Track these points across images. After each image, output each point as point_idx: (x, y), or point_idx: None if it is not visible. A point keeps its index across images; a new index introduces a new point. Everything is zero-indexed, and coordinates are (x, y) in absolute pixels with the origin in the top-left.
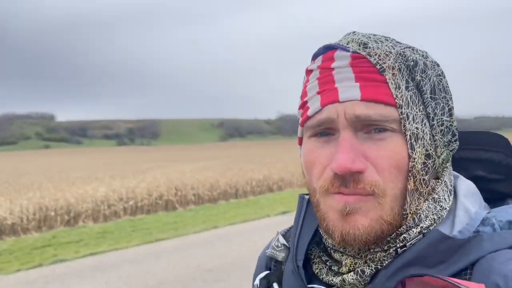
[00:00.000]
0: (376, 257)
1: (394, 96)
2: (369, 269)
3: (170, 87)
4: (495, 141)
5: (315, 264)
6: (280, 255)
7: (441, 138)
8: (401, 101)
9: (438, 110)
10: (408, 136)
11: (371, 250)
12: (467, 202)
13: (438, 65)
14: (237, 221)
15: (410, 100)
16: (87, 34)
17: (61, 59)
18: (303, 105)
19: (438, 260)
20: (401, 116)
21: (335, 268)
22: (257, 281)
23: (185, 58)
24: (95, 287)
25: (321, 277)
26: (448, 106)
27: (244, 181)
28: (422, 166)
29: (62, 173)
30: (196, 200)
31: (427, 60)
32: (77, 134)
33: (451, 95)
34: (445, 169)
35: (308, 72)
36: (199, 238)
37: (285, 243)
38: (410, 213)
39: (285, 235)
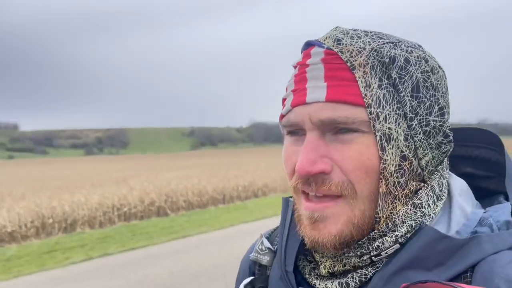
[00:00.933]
0: (350, 262)
1: (363, 95)
2: (353, 281)
3: (137, 94)
4: (485, 138)
5: (300, 261)
6: (265, 259)
7: (424, 139)
8: (370, 100)
9: (422, 109)
10: (378, 137)
11: (346, 254)
12: (462, 201)
13: (426, 61)
14: (235, 223)
15: (383, 99)
16: (52, 39)
17: (24, 65)
18: (283, 102)
19: (437, 262)
20: (370, 116)
21: (317, 270)
22: (241, 287)
23: (153, 64)
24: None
25: (304, 275)
26: (438, 105)
27: (230, 187)
28: (397, 168)
29: (38, 183)
30: (187, 206)
31: (411, 56)
32: (43, 143)
33: (443, 93)
34: (434, 172)
35: (293, 68)
36: (216, 235)
37: (270, 246)
38: (383, 217)
39: (269, 237)
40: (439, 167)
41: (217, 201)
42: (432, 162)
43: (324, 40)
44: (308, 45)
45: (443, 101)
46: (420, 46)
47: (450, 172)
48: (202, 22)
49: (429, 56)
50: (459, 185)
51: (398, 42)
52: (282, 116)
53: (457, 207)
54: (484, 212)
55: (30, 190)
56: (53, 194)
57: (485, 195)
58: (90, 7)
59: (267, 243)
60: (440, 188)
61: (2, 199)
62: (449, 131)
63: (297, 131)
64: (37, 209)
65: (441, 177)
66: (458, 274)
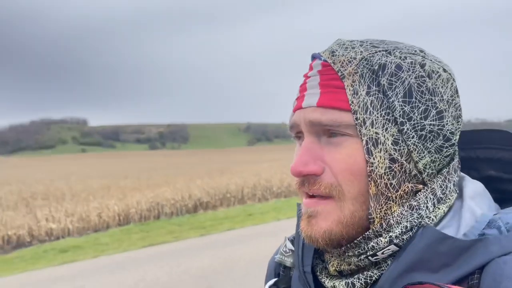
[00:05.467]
0: (351, 261)
1: (350, 102)
2: (359, 282)
3: (196, 91)
4: (506, 139)
5: (315, 259)
6: (288, 261)
7: (419, 142)
8: (357, 106)
9: (416, 114)
10: (364, 141)
11: (346, 254)
12: (474, 204)
13: (422, 66)
14: None
15: (371, 105)
16: (118, 39)
17: (91, 64)
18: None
19: (442, 263)
20: (356, 122)
21: (327, 268)
22: None
23: (212, 61)
24: None
25: (317, 274)
26: (436, 109)
27: None
28: (387, 170)
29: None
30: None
31: (403, 62)
32: (110, 138)
33: (442, 96)
34: (437, 175)
35: None
36: None
37: (293, 248)
38: (377, 217)
39: (293, 240)
40: (444, 170)
41: None
42: (432, 165)
43: (323, 53)
44: (312, 57)
45: (442, 105)
46: (422, 51)
47: (464, 175)
48: (260, 19)
49: (430, 60)
50: (473, 188)
51: (394, 50)
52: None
53: (467, 210)
54: (495, 214)
55: (179, 175)
56: (208, 178)
57: (511, 198)
58: (154, 6)
59: (290, 246)
60: (443, 191)
61: (175, 181)
62: (450, 135)
63: (300, 135)
64: (214, 186)
65: (446, 180)
66: (466, 275)
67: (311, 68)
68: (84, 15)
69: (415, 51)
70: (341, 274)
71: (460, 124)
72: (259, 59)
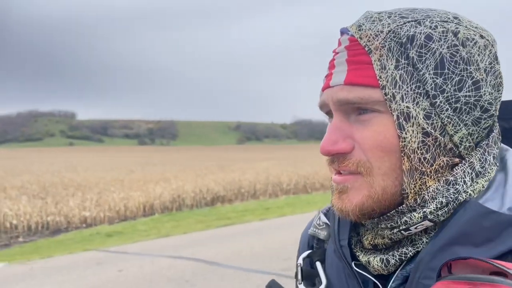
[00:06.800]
0: (384, 234)
1: (378, 77)
2: (393, 259)
3: (185, 88)
4: None
5: (351, 232)
6: (322, 234)
7: (454, 115)
8: (385, 81)
9: (449, 86)
10: (395, 116)
11: (379, 226)
12: None
13: (455, 34)
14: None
15: (399, 79)
16: (108, 33)
17: (80, 57)
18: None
19: (485, 238)
20: (385, 97)
21: (362, 242)
22: (300, 260)
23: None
24: None
25: (352, 246)
26: (471, 79)
27: (314, 176)
28: (420, 144)
29: (159, 167)
30: (319, 187)
31: (434, 31)
32: (98, 132)
33: (478, 65)
34: (474, 149)
35: None
36: None
37: (327, 221)
38: (411, 192)
39: (327, 213)
40: (483, 142)
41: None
42: (469, 138)
43: (350, 27)
44: (341, 32)
45: (479, 74)
46: (456, 18)
47: (508, 147)
48: (252, 18)
49: (465, 27)
50: None
51: (424, 19)
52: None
53: None
54: None
55: (184, 169)
56: (218, 173)
57: None
58: (144, 1)
59: (324, 218)
60: (483, 165)
61: (184, 175)
62: (489, 105)
63: (330, 114)
64: (229, 181)
65: (486, 153)
66: (509, 251)
67: (339, 43)
68: (76, 6)
69: (448, 18)
70: (375, 249)
71: (501, 93)
72: (250, 57)
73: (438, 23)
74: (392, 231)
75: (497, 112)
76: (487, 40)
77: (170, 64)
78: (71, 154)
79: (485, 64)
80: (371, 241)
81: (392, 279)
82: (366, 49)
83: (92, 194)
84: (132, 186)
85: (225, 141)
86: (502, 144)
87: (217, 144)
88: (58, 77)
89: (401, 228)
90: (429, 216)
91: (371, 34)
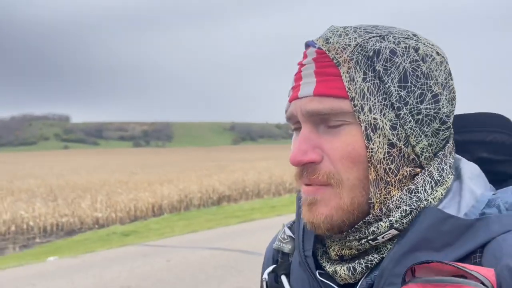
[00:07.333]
0: (352, 245)
1: (347, 89)
2: (360, 267)
3: (180, 89)
4: (497, 122)
5: (315, 244)
6: (287, 247)
7: (416, 126)
8: (354, 93)
9: (412, 99)
10: (363, 127)
11: (347, 238)
12: (472, 184)
13: (416, 50)
14: None
15: (367, 91)
16: (101, 36)
17: (74, 60)
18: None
19: (445, 243)
20: (354, 108)
21: (328, 253)
22: (265, 275)
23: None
24: None
25: (317, 257)
26: (431, 93)
27: None
28: (386, 155)
29: (159, 169)
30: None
31: (398, 47)
32: (93, 135)
33: (437, 79)
34: (433, 158)
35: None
36: None
37: (291, 234)
38: (377, 202)
39: (291, 227)
40: (440, 153)
41: None
42: (429, 148)
43: (317, 40)
44: (306, 45)
45: (437, 88)
46: (415, 35)
47: (460, 157)
48: (245, 20)
49: (423, 44)
50: (469, 169)
51: (387, 35)
52: (285, 112)
53: (467, 190)
54: (493, 194)
55: (186, 171)
56: (220, 174)
57: (503, 179)
58: (138, 3)
59: (288, 232)
60: (441, 174)
61: (187, 176)
62: (446, 118)
63: (298, 125)
64: (233, 181)
65: (443, 162)
66: (467, 254)
67: (305, 56)
68: (70, 8)
69: (408, 35)
70: (342, 259)
71: (454, 107)
72: (245, 58)
73: (400, 39)
74: (360, 242)
75: (452, 125)
76: (443, 57)
77: (164, 65)
78: (67, 158)
79: (442, 79)
80: (338, 252)
81: (357, 287)
82: (335, 61)
83: (101, 196)
84: (138, 188)
85: (220, 141)
86: (456, 154)
87: (212, 145)
88: (51, 81)
89: (368, 238)
90: (395, 225)
91: (339, 47)
